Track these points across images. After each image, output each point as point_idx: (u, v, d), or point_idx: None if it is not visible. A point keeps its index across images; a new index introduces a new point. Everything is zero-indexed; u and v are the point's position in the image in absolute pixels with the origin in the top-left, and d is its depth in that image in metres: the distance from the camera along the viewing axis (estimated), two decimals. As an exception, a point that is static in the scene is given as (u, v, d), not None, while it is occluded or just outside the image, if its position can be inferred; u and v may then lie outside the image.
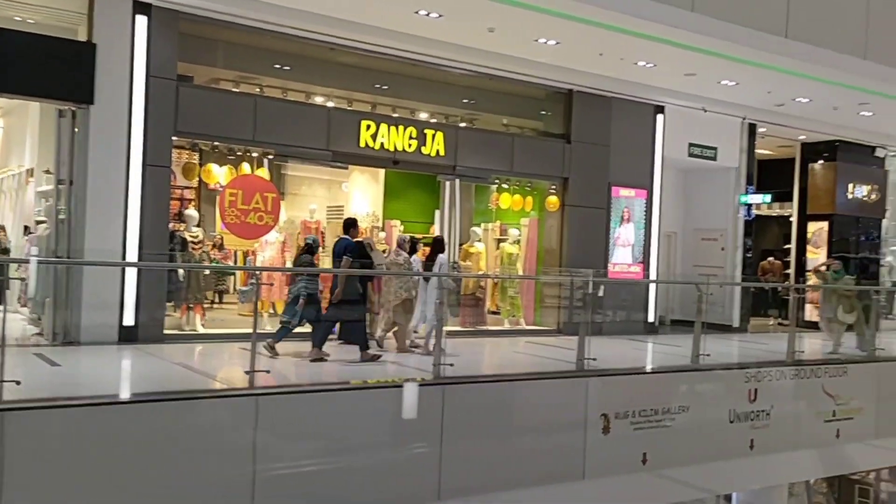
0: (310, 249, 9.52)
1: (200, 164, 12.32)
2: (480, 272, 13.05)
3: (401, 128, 11.54)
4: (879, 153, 17.98)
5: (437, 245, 10.40)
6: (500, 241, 14.05)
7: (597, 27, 10.50)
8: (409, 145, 11.60)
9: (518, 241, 13.50)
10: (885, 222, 18.58)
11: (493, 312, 13.62)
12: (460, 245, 13.16)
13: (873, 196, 17.82)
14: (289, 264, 11.13)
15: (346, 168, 12.95)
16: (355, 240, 9.67)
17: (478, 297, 12.88)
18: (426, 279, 9.82)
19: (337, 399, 7.17)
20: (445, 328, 8.55)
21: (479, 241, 13.37)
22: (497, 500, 7.67)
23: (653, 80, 13.15)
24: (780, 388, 10.33)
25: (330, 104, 11.65)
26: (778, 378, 10.39)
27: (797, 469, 11.02)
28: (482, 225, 14.19)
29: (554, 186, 13.42)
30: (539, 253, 13.65)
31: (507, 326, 12.93)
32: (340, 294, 9.01)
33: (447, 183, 12.53)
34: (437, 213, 13.24)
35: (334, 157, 11.11)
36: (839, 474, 13.40)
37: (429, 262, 10.17)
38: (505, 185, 13.73)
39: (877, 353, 12.22)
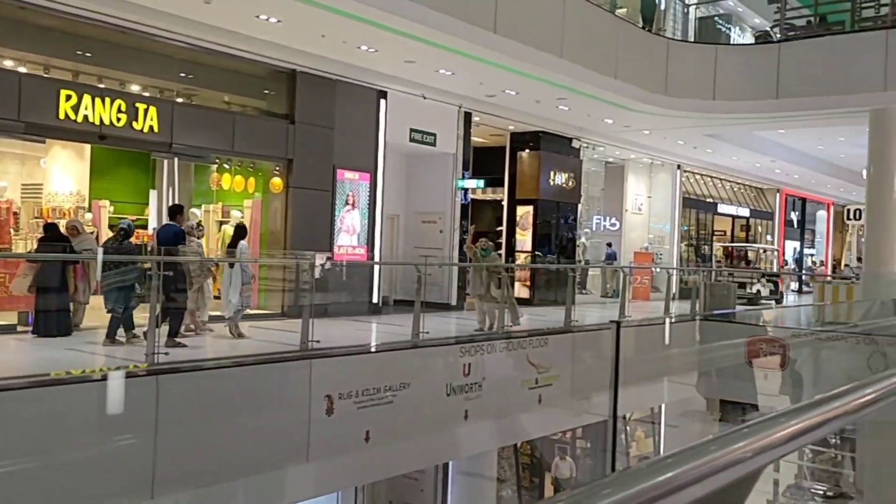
0: (128, 235, 9.46)
1: None
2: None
3: (108, 100, 10.61)
4: (575, 144, 19.95)
5: (240, 231, 10.81)
6: (222, 223, 13.53)
7: (317, 7, 10.43)
8: (118, 119, 10.72)
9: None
10: (580, 207, 20.70)
11: (215, 297, 13.09)
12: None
13: (570, 183, 19.75)
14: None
15: (44, 142, 11.66)
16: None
17: (198, 281, 12.29)
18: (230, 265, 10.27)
19: (36, 393, 6.46)
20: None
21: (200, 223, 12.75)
22: (217, 492, 7.41)
23: (375, 65, 13.40)
24: (490, 361, 11.08)
25: (22, 69, 10.39)
26: (489, 351, 11.13)
27: (506, 434, 11.91)
28: (202, 206, 13.57)
29: (278, 168, 13.19)
30: (263, 235, 13.36)
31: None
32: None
33: (163, 161, 11.79)
34: (153, 193, 12.43)
35: (27, 129, 9.95)
36: (542, 436, 14.79)
37: (231, 249, 10.47)
38: (226, 165, 13.24)
39: (572, 325, 13.57)
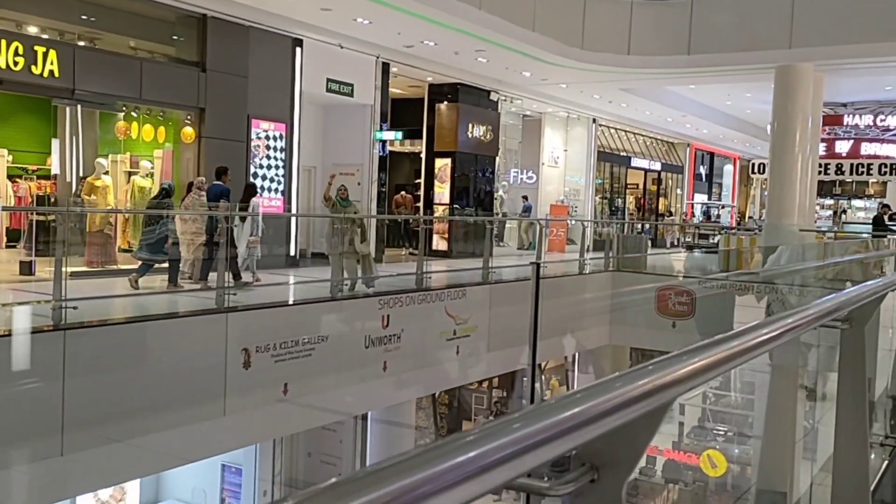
0: (168, 194, 10.32)
1: None
2: (108, 207, 12.02)
3: (4, 42, 10.00)
4: (493, 97, 19.98)
5: (250, 189, 11.86)
6: (130, 174, 13.05)
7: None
8: (15, 63, 10.12)
9: (151, 175, 12.67)
10: (498, 160, 20.84)
11: (125, 250, 12.69)
12: (83, 178, 11.96)
13: (488, 136, 19.83)
14: None
15: (-66, 86, 10.94)
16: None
17: (106, 234, 11.87)
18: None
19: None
20: (69, 269, 7.79)
21: (106, 173, 12.27)
22: (131, 447, 7.29)
23: (290, 12, 13.03)
24: (409, 313, 11.16)
25: None
26: (408, 303, 11.20)
27: (424, 385, 12.08)
28: (109, 156, 13.03)
29: (189, 117, 12.76)
30: (175, 187, 12.95)
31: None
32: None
33: (66, 109, 11.23)
34: (56, 142, 11.86)
35: (-88, 71, 9.30)
36: (459, 385, 15.07)
37: (244, 204, 11.25)
38: (134, 114, 12.72)
39: (490, 276, 13.76)
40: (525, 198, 23.23)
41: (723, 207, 35.68)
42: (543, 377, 16.93)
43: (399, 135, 17.06)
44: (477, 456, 0.74)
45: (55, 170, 12.83)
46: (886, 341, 5.23)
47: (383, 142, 16.54)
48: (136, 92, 11.73)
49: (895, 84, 19.42)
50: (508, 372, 14.77)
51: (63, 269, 7.55)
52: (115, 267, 11.82)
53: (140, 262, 10.09)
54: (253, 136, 13.45)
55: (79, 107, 11.27)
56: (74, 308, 7.28)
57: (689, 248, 25.06)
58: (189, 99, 12.42)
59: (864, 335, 2.51)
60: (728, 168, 37.84)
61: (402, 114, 18.38)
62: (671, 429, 14.99)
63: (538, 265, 9.57)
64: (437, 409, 16.46)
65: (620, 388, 0.94)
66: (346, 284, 11.02)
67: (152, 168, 12.78)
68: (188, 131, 12.69)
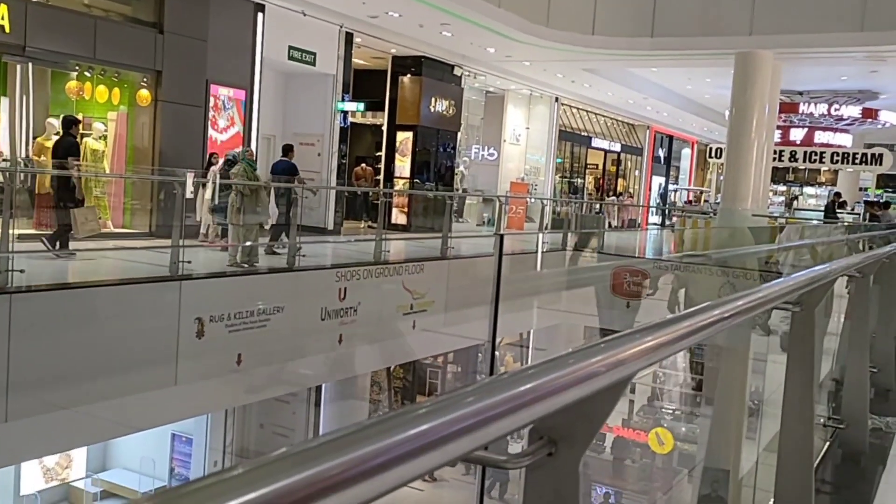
0: (233, 163, 10.60)
1: None
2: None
3: (-50, -6, 9.63)
4: (457, 72, 19.88)
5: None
6: (83, 135, 12.69)
7: None
8: (-37, 16, 9.76)
9: (104, 137, 12.35)
10: (459, 135, 20.78)
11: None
12: (34, 138, 11.62)
13: (451, 111, 19.74)
14: None
15: None
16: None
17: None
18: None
19: None
20: (16, 231, 7.58)
21: (57, 134, 11.92)
22: (77, 416, 7.17)
23: (253, -24, 12.77)
24: (366, 286, 11.11)
25: None
26: (365, 276, 11.14)
27: (379, 358, 12.08)
28: (61, 117, 12.66)
29: (146, 79, 12.44)
30: (129, 150, 12.67)
31: (92, 230, 11.87)
32: None
33: (16, 66, 10.87)
34: (5, 100, 11.47)
35: None
36: (415, 359, 15.11)
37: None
38: (87, 74, 12.35)
39: (448, 252, 13.76)
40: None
41: (703, 196, 36.17)
42: (498, 353, 17.06)
43: (361, 106, 16.88)
44: (431, 429, 0.73)
45: (2, 130, 12.43)
46: (833, 326, 5.37)
47: (345, 113, 16.36)
48: (90, 51, 11.39)
49: (850, 74, 19.80)
50: (464, 347, 14.84)
51: (10, 231, 7.35)
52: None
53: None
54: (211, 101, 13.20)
55: (30, 64, 10.92)
56: (21, 271, 7.11)
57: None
58: (145, 60, 12.11)
59: (814, 318, 2.56)
60: (686, 152, 38.33)
61: (364, 85, 18.18)
62: (622, 406, 15.28)
63: (501, 237, 9.60)
64: (392, 384, 16.50)
65: (576, 363, 0.94)
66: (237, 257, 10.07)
67: (106, 130, 12.46)
68: (144, 94, 12.39)
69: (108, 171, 12.35)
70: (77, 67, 12.08)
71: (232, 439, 12.63)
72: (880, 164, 23.37)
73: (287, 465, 0.58)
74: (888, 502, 3.59)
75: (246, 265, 9.89)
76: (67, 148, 9.84)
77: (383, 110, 18.89)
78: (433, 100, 18.93)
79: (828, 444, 4.27)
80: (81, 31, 11.27)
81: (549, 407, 0.88)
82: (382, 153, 19.31)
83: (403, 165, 18.92)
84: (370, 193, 17.56)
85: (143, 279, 8.66)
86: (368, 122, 20.04)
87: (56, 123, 12.05)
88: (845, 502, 3.79)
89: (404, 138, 18.91)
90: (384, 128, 19.10)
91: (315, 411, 13.67)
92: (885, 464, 4.06)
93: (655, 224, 29.43)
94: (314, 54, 15.34)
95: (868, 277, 4.19)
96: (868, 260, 3.89)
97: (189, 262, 8.70)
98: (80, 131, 12.83)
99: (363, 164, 18.99)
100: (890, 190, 32.74)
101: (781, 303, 2.58)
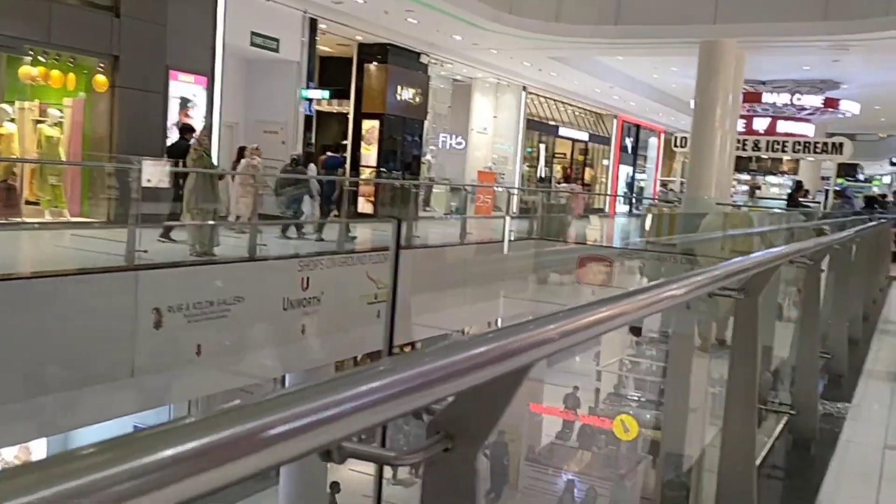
0: (298, 163, 12.95)
1: None
2: (13, 157, 11.44)
3: None
4: (424, 59, 19.76)
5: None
6: (38, 122, 12.41)
7: None
8: None
9: (60, 123, 12.08)
10: (426, 124, 20.68)
11: (31, 203, 12.13)
12: (-13, 125, 11.34)
13: (417, 99, 19.64)
14: None
15: None
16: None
17: (10, 184, 11.31)
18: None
19: None
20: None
21: (11, 120, 11.66)
22: (34, 408, 7.02)
23: (213, -40, 12.54)
24: (329, 276, 11.00)
25: None
26: (329, 266, 11.04)
27: (343, 348, 12.00)
28: (16, 103, 12.36)
29: (102, 64, 12.17)
30: (85, 137, 12.40)
31: (48, 218, 11.63)
32: None
33: (-33, 50, 10.58)
34: (-45, 85, 11.19)
35: None
36: (380, 350, 15.01)
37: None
38: (42, 59, 12.05)
39: (413, 240, 13.69)
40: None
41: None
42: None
43: (326, 94, 16.71)
44: (306, 411, 0.68)
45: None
46: (792, 315, 5.41)
47: (309, 100, 16.18)
48: (45, 35, 11.11)
49: (812, 64, 20.01)
50: (431, 336, 14.81)
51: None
52: (18, 220, 11.29)
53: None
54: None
55: (-19, 49, 10.64)
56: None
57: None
58: (102, 45, 11.84)
59: (757, 305, 2.54)
60: (653, 141, 38.58)
61: (330, 73, 18.01)
62: (588, 395, 15.35)
63: (399, 221, 9.54)
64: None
65: (471, 349, 0.89)
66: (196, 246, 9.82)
67: (62, 117, 12.18)
68: (101, 80, 12.11)
69: (63, 159, 12.08)
70: (31, 52, 11.78)
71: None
72: (840, 153, 23.69)
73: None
74: (836, 488, 3.61)
75: (205, 255, 9.73)
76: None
77: (349, 98, 18.73)
78: (399, 88, 18.80)
79: (779, 430, 4.30)
80: (35, 15, 10.98)
81: (433, 396, 0.83)
82: (349, 142, 19.15)
83: (370, 154, 18.80)
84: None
85: (98, 269, 8.48)
86: (334, 111, 19.85)
87: (10, 110, 11.77)
88: (794, 488, 3.81)
89: (370, 127, 18.79)
90: (350, 116, 18.94)
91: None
92: (834, 449, 4.09)
93: (623, 213, 29.57)
94: (277, 41, 15.13)
95: (818, 264, 4.21)
96: (816, 247, 3.89)
97: (146, 251, 8.55)
98: (36, 118, 12.58)
99: (329, 153, 18.80)
100: (850, 179, 33.27)
101: (724, 290, 2.56)
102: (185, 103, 13.25)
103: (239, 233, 10.96)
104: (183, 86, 13.15)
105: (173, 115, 13.10)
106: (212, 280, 9.31)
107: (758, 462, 3.72)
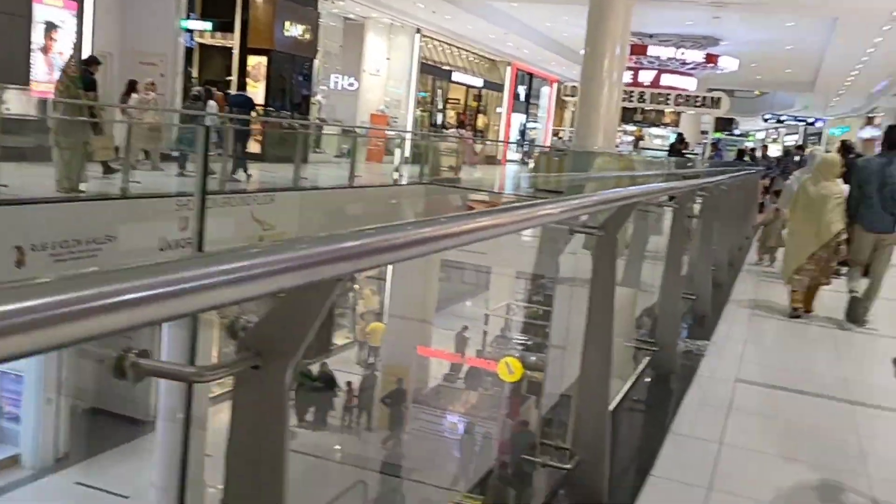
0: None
1: None
2: None
3: None
4: (313, -5, 19.08)
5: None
6: None
7: None
8: None
9: None
10: (317, 62, 20.09)
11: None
12: None
13: (307, 36, 19.01)
14: None
15: None
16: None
17: None
18: None
19: None
20: None
21: None
22: None
23: None
24: (211, 216, 10.59)
25: None
26: (210, 206, 10.63)
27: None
28: None
29: (-44, -18, 11.16)
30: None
31: None
32: None
33: None
34: None
35: None
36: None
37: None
38: None
39: (301, 182, 13.41)
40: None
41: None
42: (357, 286, 16.97)
43: (208, 26, 15.91)
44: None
45: None
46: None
47: (190, 32, 15.38)
48: None
49: (695, 19, 20.61)
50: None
51: None
52: None
53: None
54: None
55: None
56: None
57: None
58: (-45, -39, 10.84)
59: (615, 243, 2.59)
60: (546, 90, 38.99)
61: (213, 4, 17.12)
62: (476, 337, 15.67)
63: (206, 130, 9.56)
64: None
65: (268, 254, 0.84)
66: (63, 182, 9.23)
67: None
68: (-45, -1, 11.12)
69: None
70: None
71: (66, 376, 11.98)
72: (718, 107, 24.69)
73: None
74: (689, 417, 3.80)
75: (72, 191, 9.20)
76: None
77: (233, 32, 17.91)
78: (287, 23, 18.12)
79: (642, 367, 4.48)
80: None
81: (216, 299, 0.78)
82: (234, 78, 18.38)
83: (256, 91, 18.10)
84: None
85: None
86: (218, 44, 18.94)
87: None
88: (651, 418, 4.00)
89: (257, 63, 18.07)
90: (235, 51, 18.15)
91: (158, 347, 13.15)
92: (690, 383, 4.31)
93: (514, 160, 29.94)
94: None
95: (685, 207, 4.36)
96: (678, 189, 4.02)
97: (6, 185, 8.00)
98: None
99: (213, 89, 18.01)
100: (727, 133, 34.82)
101: (586, 227, 2.59)
102: (50, 28, 12.34)
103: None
104: (49, 9, 12.23)
105: (39, 40, 12.19)
106: (80, 217, 8.82)
107: (620, 397, 3.87)
